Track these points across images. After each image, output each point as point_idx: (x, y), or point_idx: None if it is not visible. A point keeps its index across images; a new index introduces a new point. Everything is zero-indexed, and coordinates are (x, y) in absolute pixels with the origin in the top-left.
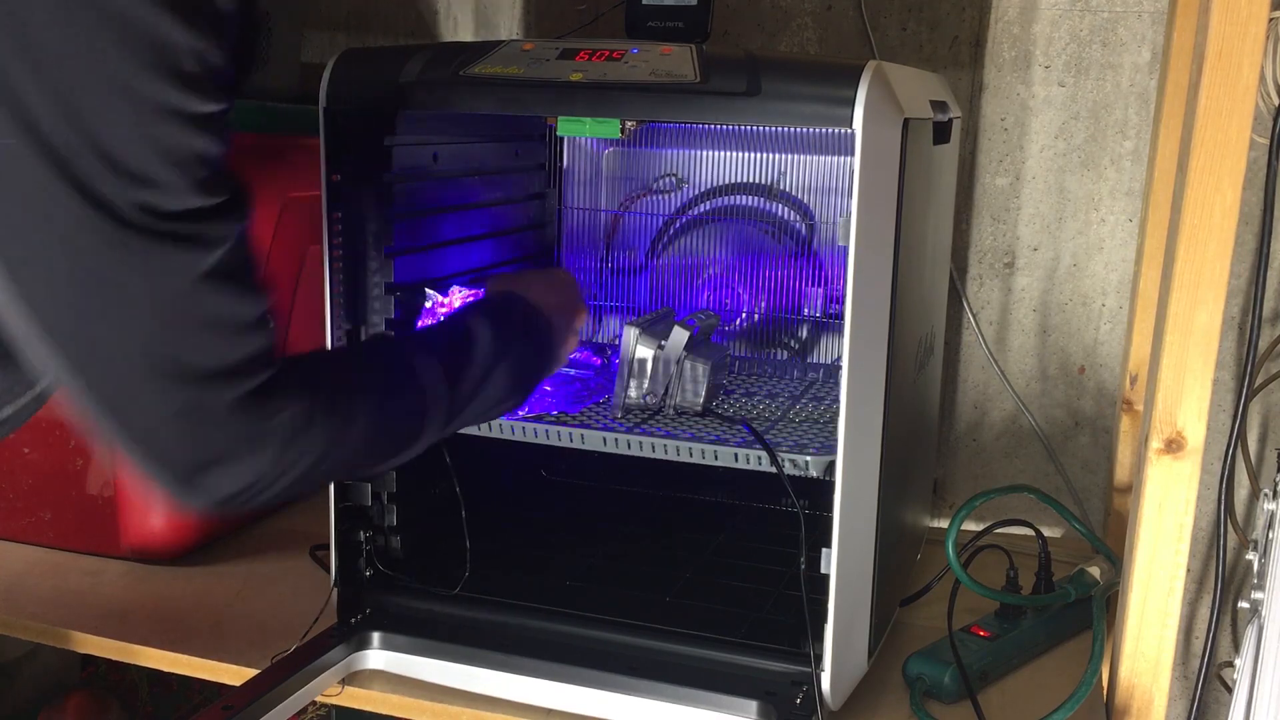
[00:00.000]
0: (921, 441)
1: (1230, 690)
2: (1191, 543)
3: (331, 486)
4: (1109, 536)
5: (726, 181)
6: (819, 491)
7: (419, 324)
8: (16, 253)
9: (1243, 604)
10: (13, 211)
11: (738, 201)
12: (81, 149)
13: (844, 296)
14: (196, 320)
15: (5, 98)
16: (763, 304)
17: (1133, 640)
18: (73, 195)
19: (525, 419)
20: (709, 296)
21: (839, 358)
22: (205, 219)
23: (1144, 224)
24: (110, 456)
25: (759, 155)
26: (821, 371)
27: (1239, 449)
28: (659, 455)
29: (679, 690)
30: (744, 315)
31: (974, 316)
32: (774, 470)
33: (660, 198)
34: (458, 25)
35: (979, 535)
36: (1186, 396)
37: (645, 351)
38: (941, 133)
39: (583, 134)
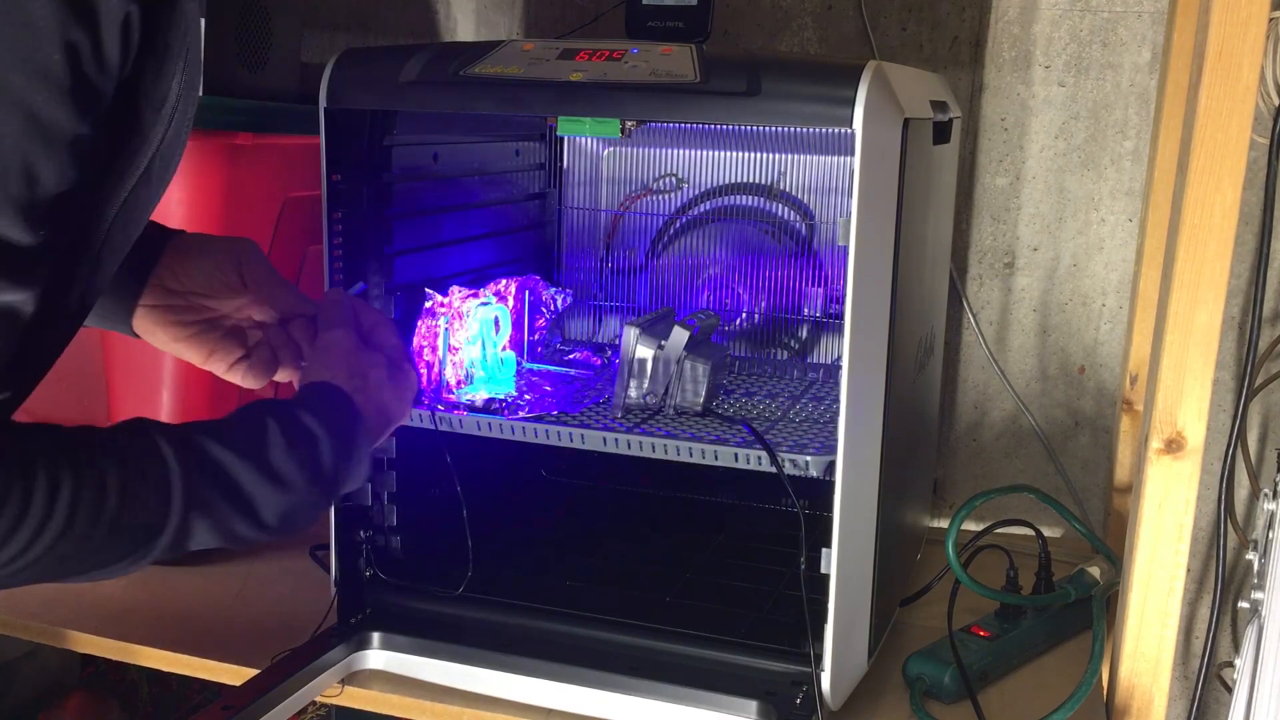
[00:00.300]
0: (921, 441)
1: (1230, 690)
2: (1191, 543)
3: None
4: (1109, 536)
5: (726, 181)
6: (819, 491)
7: (418, 324)
8: None
9: (1243, 604)
10: None
11: (738, 201)
12: None
13: (844, 296)
14: None
15: None
16: (763, 304)
17: (1133, 640)
18: None
19: (525, 419)
20: (709, 296)
21: (839, 358)
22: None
23: (1144, 224)
24: None
25: (759, 155)
26: (821, 371)
27: (1239, 449)
28: (659, 455)
29: (679, 690)
30: (744, 315)
31: (974, 316)
32: (774, 470)
33: (660, 198)
34: (458, 25)
35: (979, 535)
36: (1186, 396)
37: (645, 351)
38: (941, 133)
39: (583, 134)
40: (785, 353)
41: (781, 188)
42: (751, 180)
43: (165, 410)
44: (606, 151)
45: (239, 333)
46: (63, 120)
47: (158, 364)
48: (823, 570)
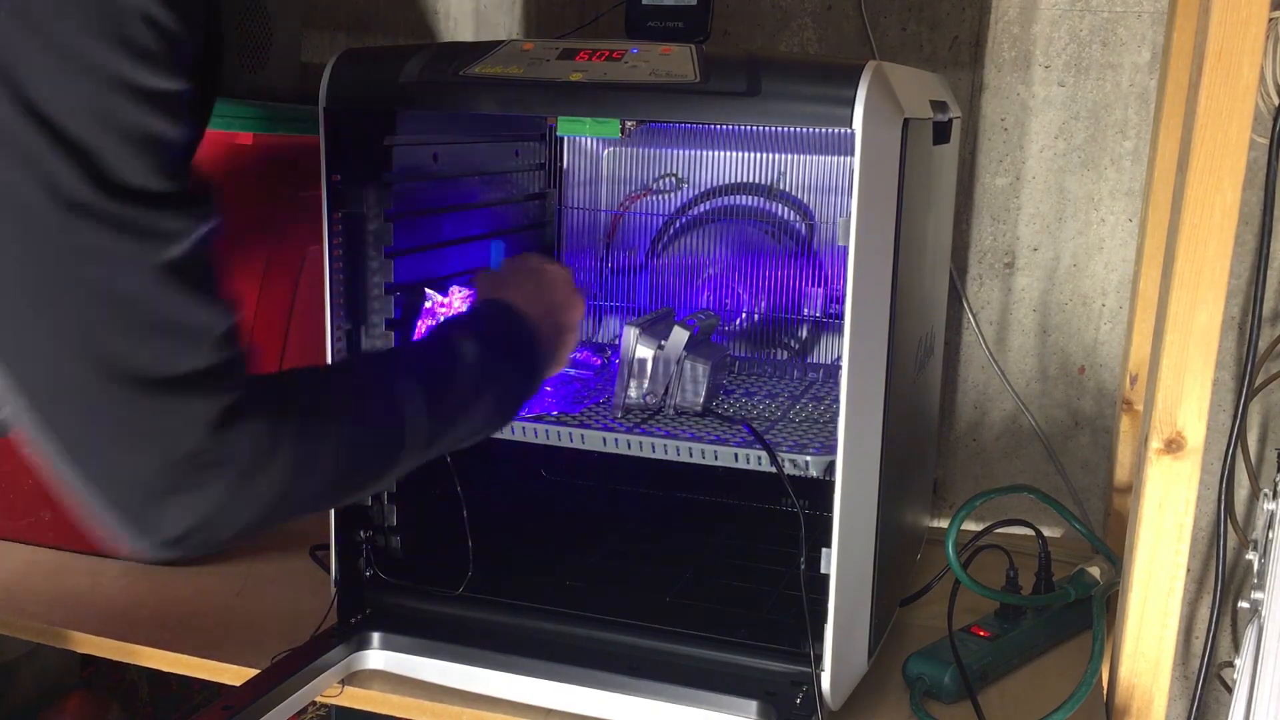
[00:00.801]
0: (921, 441)
1: (1230, 690)
2: (1191, 543)
3: None
4: (1109, 536)
5: (726, 181)
6: (819, 491)
7: (418, 324)
8: None
9: (1243, 604)
10: None
11: (738, 201)
12: (18, 119)
13: (844, 296)
14: (150, 320)
15: None
16: (763, 304)
17: (1133, 640)
18: (13, 169)
19: (525, 419)
20: (709, 296)
21: (839, 358)
22: (160, 206)
23: (1144, 224)
24: (65, 501)
25: (759, 155)
26: (821, 371)
27: (1239, 449)
28: (659, 455)
29: (679, 690)
30: (744, 315)
31: (974, 316)
32: (774, 470)
33: (660, 198)
34: (458, 25)
35: (979, 535)
36: (1186, 396)
37: (645, 351)
38: (941, 133)
39: (583, 134)
40: (785, 353)
41: (781, 188)
42: (751, 180)
43: None
44: (606, 151)
45: None
46: (168, 86)
47: None
48: (823, 570)
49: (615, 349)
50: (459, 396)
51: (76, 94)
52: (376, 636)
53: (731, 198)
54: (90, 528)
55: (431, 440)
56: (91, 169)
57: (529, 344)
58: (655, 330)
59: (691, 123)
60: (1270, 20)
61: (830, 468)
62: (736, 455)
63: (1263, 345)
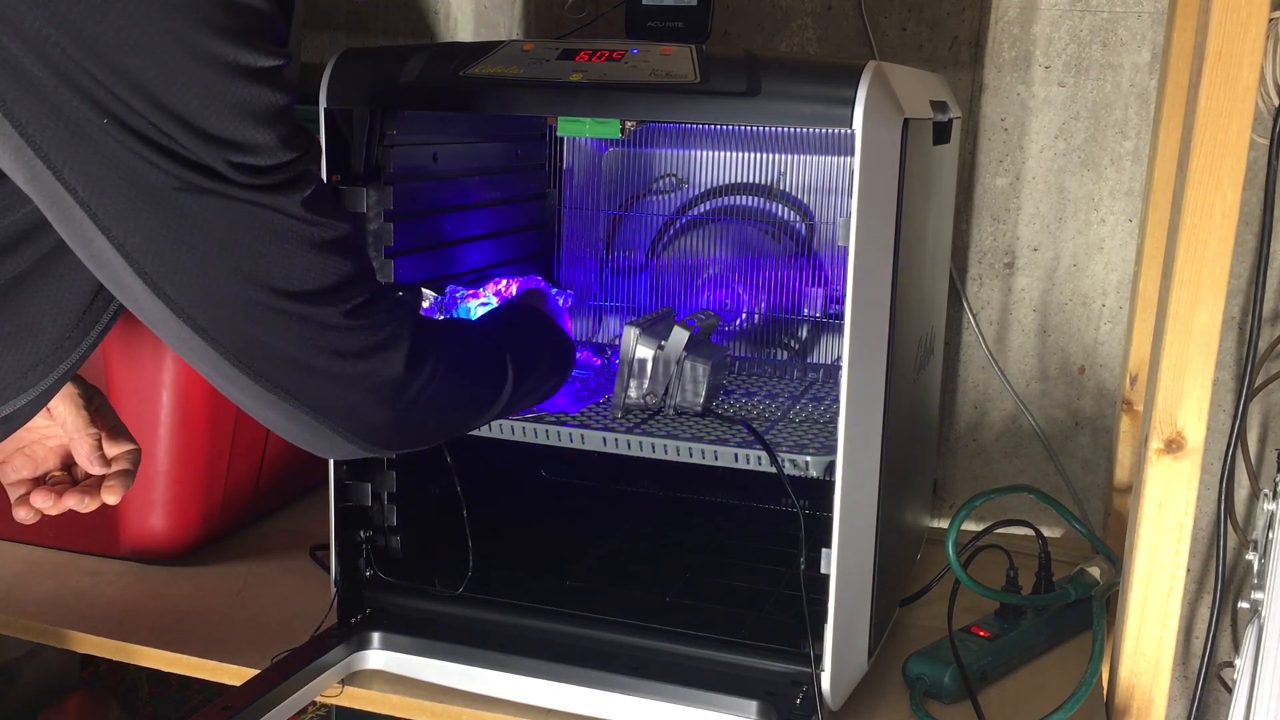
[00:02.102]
0: (921, 441)
1: (1230, 690)
2: (1191, 543)
3: (331, 486)
4: (1109, 536)
5: (726, 182)
6: (819, 491)
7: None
8: (132, 234)
9: (1243, 604)
10: (117, 195)
11: (738, 202)
12: (160, 121)
13: (844, 296)
14: (306, 247)
15: (70, 82)
16: (763, 304)
17: (1133, 640)
18: (170, 165)
19: (525, 419)
20: (709, 296)
21: (839, 358)
22: (296, 165)
23: (1144, 224)
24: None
25: (759, 155)
26: (821, 371)
27: (1239, 449)
28: (659, 455)
29: (679, 690)
30: (744, 315)
31: (974, 316)
32: (774, 470)
33: (660, 198)
34: (458, 25)
35: (979, 535)
36: (1186, 396)
37: (645, 351)
38: (941, 133)
39: (583, 134)
40: (785, 353)
41: (781, 188)
42: (751, 180)
43: (165, 410)
44: (606, 151)
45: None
46: (270, 60)
47: (158, 364)
48: (823, 570)
49: (615, 349)
50: (534, 356)
51: (200, 87)
52: (376, 636)
53: (731, 198)
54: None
55: (516, 390)
56: (237, 154)
57: (561, 331)
58: (655, 330)
59: (691, 123)
60: (1270, 20)
61: (830, 468)
62: (736, 455)
63: (1263, 345)
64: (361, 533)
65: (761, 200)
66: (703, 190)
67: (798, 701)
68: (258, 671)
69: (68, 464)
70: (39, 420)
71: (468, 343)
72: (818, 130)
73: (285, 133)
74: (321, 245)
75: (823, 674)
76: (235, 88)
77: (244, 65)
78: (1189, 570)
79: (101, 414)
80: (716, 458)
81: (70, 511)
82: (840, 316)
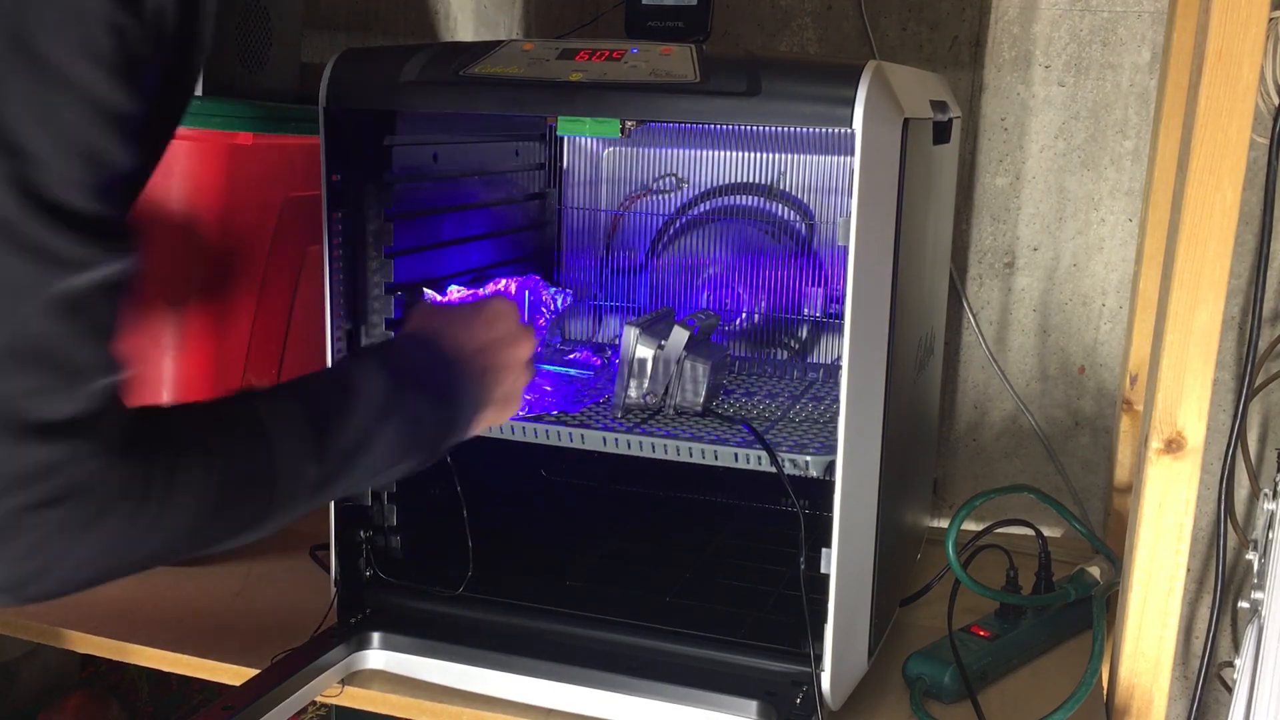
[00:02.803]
0: (921, 441)
1: (1230, 690)
2: (1191, 543)
3: None
4: (1109, 536)
5: (726, 181)
6: (819, 491)
7: None
8: None
9: (1243, 604)
10: None
11: (738, 201)
12: None
13: (844, 296)
14: (26, 350)
15: None
16: (763, 304)
17: (1133, 640)
18: None
19: (525, 419)
20: (709, 296)
21: (839, 358)
22: (75, 229)
23: (1144, 224)
24: None
25: (759, 155)
26: (821, 371)
27: (1239, 449)
28: (659, 455)
29: (679, 690)
30: (744, 315)
31: (974, 316)
32: (774, 470)
33: (660, 198)
34: (458, 25)
35: (979, 535)
36: (1186, 396)
37: (645, 351)
38: (941, 133)
39: (583, 134)
40: (785, 353)
41: (781, 188)
42: (751, 180)
43: None
44: (606, 151)
45: None
46: (122, 101)
47: (157, 366)
48: (823, 570)
49: (615, 349)
50: (355, 433)
51: (21, 88)
52: (376, 636)
53: (731, 198)
54: None
55: (324, 481)
56: (13, 163)
57: (446, 379)
58: (655, 330)
59: (691, 123)
60: (1270, 20)
61: (830, 468)
62: (736, 455)
63: (1263, 345)
64: (361, 532)
65: (761, 200)
66: (703, 190)
67: (798, 701)
68: (258, 671)
69: None
70: None
71: (221, 456)
72: (818, 130)
73: (90, 180)
74: (44, 361)
75: (823, 674)
76: (53, 95)
77: (77, 81)
78: (1189, 570)
79: None
80: (717, 458)
81: None
82: (840, 316)
